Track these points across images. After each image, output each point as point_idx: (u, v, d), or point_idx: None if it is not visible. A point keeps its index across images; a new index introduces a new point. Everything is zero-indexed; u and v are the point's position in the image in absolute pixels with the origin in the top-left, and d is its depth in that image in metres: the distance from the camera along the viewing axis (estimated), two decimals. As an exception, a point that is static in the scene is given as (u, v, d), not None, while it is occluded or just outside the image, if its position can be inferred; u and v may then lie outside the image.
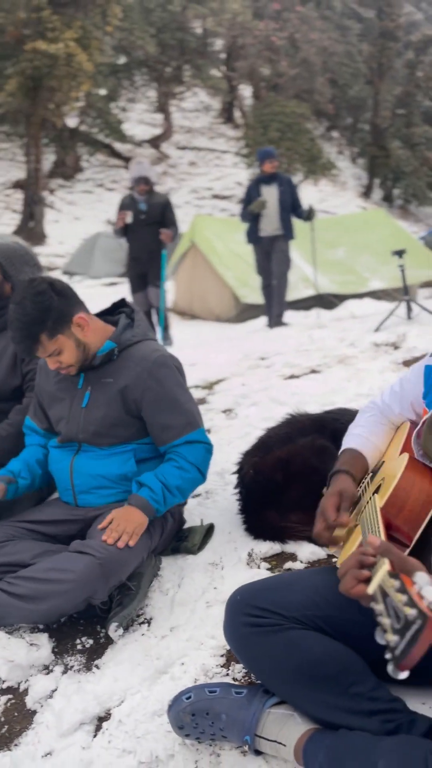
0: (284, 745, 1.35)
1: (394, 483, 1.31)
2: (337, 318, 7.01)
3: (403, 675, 0.88)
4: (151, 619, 1.94)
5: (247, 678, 1.62)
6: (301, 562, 2.05)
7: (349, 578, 1.10)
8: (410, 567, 1.01)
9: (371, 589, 0.96)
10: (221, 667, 1.68)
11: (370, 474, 1.54)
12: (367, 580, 1.07)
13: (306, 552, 2.07)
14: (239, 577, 1.99)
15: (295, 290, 8.59)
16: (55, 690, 1.74)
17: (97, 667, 1.79)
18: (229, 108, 30.08)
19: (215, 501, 2.55)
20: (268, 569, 2.05)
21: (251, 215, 6.66)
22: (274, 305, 6.89)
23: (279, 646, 1.36)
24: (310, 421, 2.35)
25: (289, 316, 7.24)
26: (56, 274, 14.77)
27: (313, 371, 4.13)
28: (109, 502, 2.09)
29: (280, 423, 2.43)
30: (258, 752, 1.39)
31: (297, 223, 6.89)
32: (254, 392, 3.80)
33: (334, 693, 1.31)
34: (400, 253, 5.61)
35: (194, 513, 2.44)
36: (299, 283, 8.87)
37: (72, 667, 1.81)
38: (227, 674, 1.65)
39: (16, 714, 1.70)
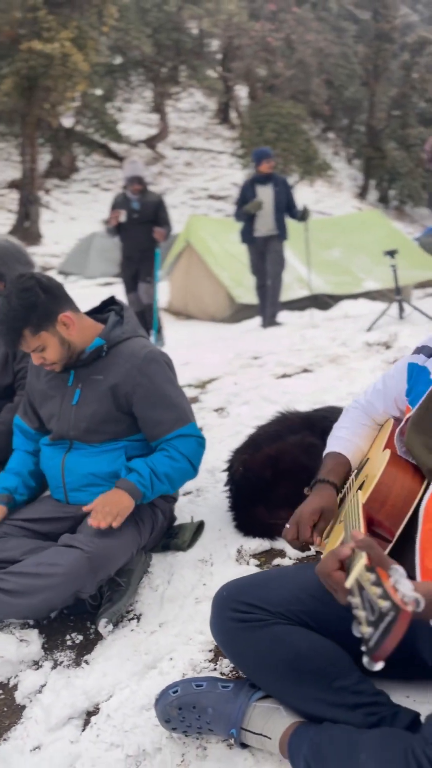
0: (269, 738, 1.36)
1: (376, 479, 1.33)
2: (329, 318, 7.03)
3: (378, 666, 0.90)
4: (140, 615, 1.95)
5: (234, 672, 1.64)
6: (290, 558, 2.07)
7: (330, 561, 1.13)
8: (387, 561, 1.03)
9: (349, 582, 0.98)
10: (209, 662, 1.70)
11: (355, 471, 1.56)
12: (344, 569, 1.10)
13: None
14: (228, 573, 2.00)
15: (290, 290, 8.61)
16: (45, 685, 1.75)
17: (86, 662, 1.81)
18: (225, 109, 30.11)
19: (206, 498, 2.56)
20: (257, 566, 2.07)
21: (246, 215, 6.66)
22: (268, 305, 6.91)
23: (264, 641, 1.37)
24: (299, 419, 2.37)
25: (283, 316, 7.25)
26: (52, 274, 14.72)
27: (305, 370, 4.15)
28: (100, 499, 2.10)
29: (270, 421, 2.45)
30: (244, 745, 1.41)
31: (291, 224, 6.90)
32: (246, 391, 3.81)
33: (319, 687, 1.32)
34: (392, 253, 5.65)
35: (185, 510, 2.45)
36: (294, 284, 8.89)
37: (61, 662, 1.83)
38: (215, 669, 1.67)
39: (5, 709, 1.71)
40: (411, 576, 1.26)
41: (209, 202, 23.61)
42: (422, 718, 1.27)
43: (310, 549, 1.52)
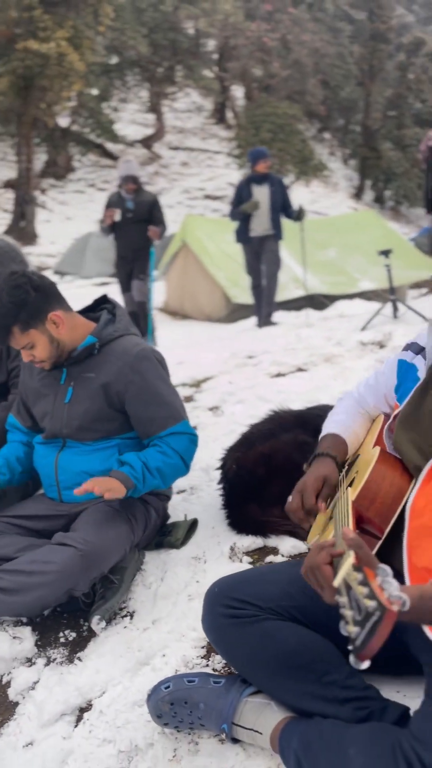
0: (260, 733, 1.37)
1: (365, 476, 1.34)
2: (325, 317, 7.05)
3: (365, 665, 0.91)
4: (133, 612, 1.96)
5: (226, 669, 1.65)
6: (283, 555, 2.08)
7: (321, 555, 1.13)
8: (375, 560, 1.03)
9: (337, 581, 0.98)
10: (201, 658, 1.71)
11: (346, 468, 1.56)
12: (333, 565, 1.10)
13: (287, 546, 2.10)
14: (221, 570, 2.01)
15: (286, 290, 8.63)
16: (38, 682, 1.76)
17: (79, 659, 1.81)
18: (221, 109, 30.12)
19: (199, 497, 2.57)
20: (250, 563, 2.08)
21: (242, 215, 6.65)
22: (263, 305, 6.91)
23: (255, 637, 1.38)
24: (292, 417, 2.39)
25: (278, 316, 7.27)
26: (47, 274, 14.72)
27: (300, 369, 4.17)
28: (93, 498, 2.10)
29: (264, 419, 2.46)
30: (235, 740, 1.42)
31: (287, 224, 6.90)
32: (241, 390, 3.82)
33: (309, 681, 1.33)
34: (386, 253, 5.67)
35: (178, 508, 2.46)
36: (290, 284, 8.91)
37: (54, 659, 1.83)
38: (207, 665, 1.68)
39: (-2, 705, 1.72)
40: (400, 573, 1.27)
41: (205, 202, 23.61)
42: (411, 713, 1.28)
43: (311, 522, 1.48)
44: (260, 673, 1.39)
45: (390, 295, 5.76)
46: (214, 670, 1.66)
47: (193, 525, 2.32)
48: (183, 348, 6.25)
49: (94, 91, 24.15)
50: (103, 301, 2.27)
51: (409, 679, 1.46)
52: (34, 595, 1.80)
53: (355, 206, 24.14)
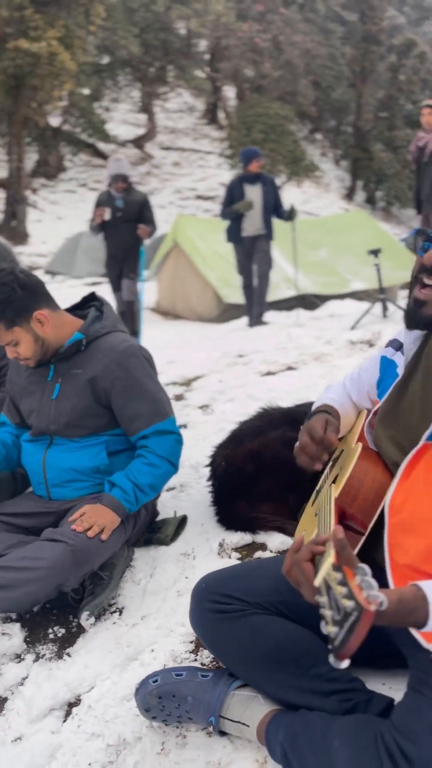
0: (247, 726, 1.38)
1: (347, 473, 1.35)
2: (315, 317, 7.07)
3: (344, 664, 0.92)
4: (122, 608, 1.97)
5: (214, 663, 1.66)
6: (271, 551, 2.09)
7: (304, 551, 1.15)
8: (354, 560, 1.04)
9: (317, 581, 0.99)
10: (190, 653, 1.72)
11: (330, 463, 1.58)
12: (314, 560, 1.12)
13: (276, 542, 2.11)
14: (210, 566, 2.02)
15: (277, 290, 8.65)
16: (26, 677, 1.77)
17: (68, 654, 1.82)
18: (213, 109, 30.13)
19: (189, 494, 2.58)
20: (238, 559, 2.09)
21: (234, 214, 6.62)
22: (255, 305, 6.91)
23: (242, 631, 1.40)
24: (281, 415, 2.40)
25: (270, 316, 7.28)
26: (39, 274, 14.67)
27: (290, 368, 4.19)
28: (82, 495, 2.11)
29: (253, 416, 2.47)
30: (223, 733, 1.43)
31: (279, 224, 6.90)
32: (231, 388, 3.84)
33: (295, 675, 1.35)
34: (375, 253, 5.70)
35: (168, 506, 2.47)
36: (281, 284, 8.93)
37: (43, 655, 1.84)
38: (195, 660, 1.69)
39: (-14, 701, 1.72)
40: (382, 569, 1.28)
41: (197, 203, 23.62)
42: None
43: (323, 459, 1.45)
44: (247, 667, 1.41)
45: (380, 294, 5.79)
46: (202, 664, 1.67)
47: (182, 522, 2.33)
48: (174, 348, 6.25)
49: (86, 91, 24.09)
50: (91, 299, 2.28)
51: (395, 671, 1.48)
52: (24, 590, 1.80)
53: (346, 207, 24.22)
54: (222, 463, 2.30)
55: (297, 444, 1.49)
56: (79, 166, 25.94)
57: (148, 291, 10.07)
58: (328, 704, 1.30)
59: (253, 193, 6.61)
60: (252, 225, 6.66)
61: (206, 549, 2.17)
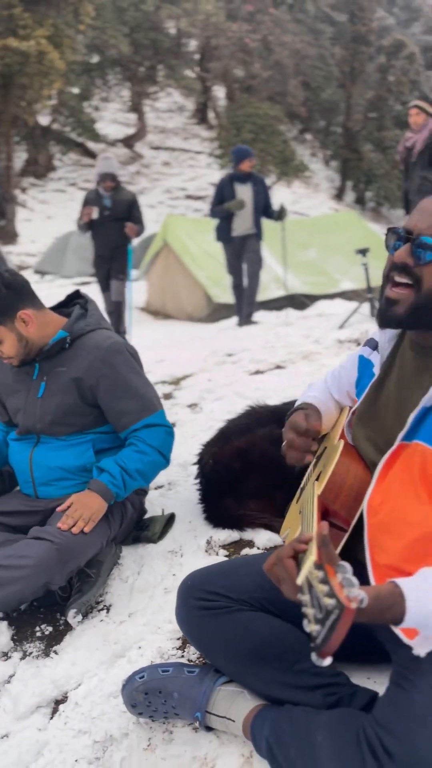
0: (233, 721, 1.39)
1: (330, 470, 1.36)
2: (304, 316, 7.10)
3: (326, 662, 0.93)
4: (110, 605, 1.97)
5: (201, 659, 1.66)
6: (258, 548, 2.10)
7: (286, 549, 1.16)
8: (336, 557, 1.04)
9: (300, 580, 1.00)
10: (177, 649, 1.72)
11: (314, 461, 1.58)
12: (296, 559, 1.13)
13: (263, 539, 2.12)
14: (198, 564, 2.02)
15: (267, 290, 8.66)
16: (13, 675, 1.77)
17: (55, 652, 1.82)
18: (203, 109, 30.12)
19: (177, 492, 2.59)
20: (226, 556, 2.10)
21: (225, 213, 6.57)
22: (244, 305, 6.91)
23: (227, 627, 1.41)
24: (268, 412, 2.41)
25: (259, 315, 7.28)
26: (28, 273, 14.65)
27: (278, 367, 4.20)
28: (69, 493, 2.10)
29: (240, 414, 2.49)
30: (209, 728, 1.44)
31: (268, 224, 6.89)
32: (219, 387, 3.85)
33: (280, 670, 1.36)
34: (363, 252, 5.72)
35: (156, 504, 2.47)
36: (271, 284, 8.95)
37: (30, 653, 1.84)
38: (182, 656, 1.69)
39: (-27, 700, 1.72)
40: (365, 566, 1.29)
41: (187, 202, 23.61)
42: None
43: (313, 450, 1.46)
44: (232, 663, 1.41)
45: (368, 294, 5.82)
46: (189, 660, 1.67)
47: (170, 519, 2.34)
48: (164, 347, 6.25)
49: (75, 90, 24.00)
50: (75, 297, 2.28)
51: (379, 666, 1.49)
52: (11, 589, 1.80)
53: (336, 207, 24.29)
54: (210, 461, 2.31)
55: (284, 443, 1.50)
56: (69, 165, 25.86)
57: (138, 291, 10.05)
58: (313, 699, 1.31)
59: (244, 192, 6.57)
60: (242, 225, 6.63)
61: (194, 546, 2.17)
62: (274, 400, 2.97)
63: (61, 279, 13.82)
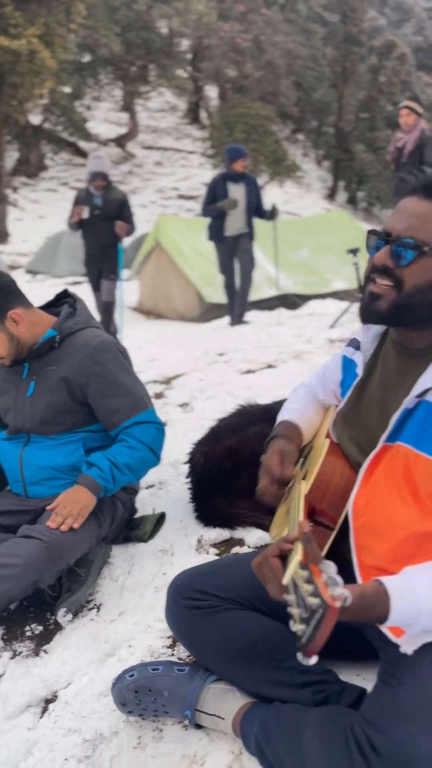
0: (223, 719, 1.39)
1: (316, 469, 1.36)
2: (296, 316, 7.11)
3: (312, 661, 0.93)
4: (100, 604, 1.97)
5: (191, 657, 1.67)
6: (249, 547, 2.11)
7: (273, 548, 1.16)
8: (320, 557, 1.04)
9: (285, 579, 1.01)
10: (167, 648, 1.72)
11: (302, 460, 1.59)
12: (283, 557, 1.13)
13: (253, 537, 2.13)
14: (188, 563, 2.03)
15: (259, 290, 8.67)
16: (2, 675, 1.76)
17: (45, 651, 1.82)
18: (195, 109, 30.13)
19: (168, 491, 2.59)
20: (216, 555, 2.10)
21: (217, 212, 6.53)
22: (236, 305, 6.91)
23: (217, 626, 1.41)
24: (259, 411, 2.41)
25: (251, 315, 7.28)
26: (19, 273, 14.61)
27: (270, 366, 4.21)
28: (59, 492, 2.10)
29: (231, 413, 2.49)
30: (198, 726, 1.44)
31: (260, 224, 6.88)
32: (211, 386, 3.85)
33: (269, 668, 1.36)
34: (354, 252, 5.73)
35: (147, 503, 2.47)
36: (263, 284, 8.96)
37: (20, 652, 1.83)
38: (172, 654, 1.69)
39: (-37, 699, 1.71)
40: (350, 564, 1.30)
41: (179, 202, 23.60)
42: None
43: (283, 494, 1.48)
44: (222, 662, 1.42)
45: (359, 293, 5.82)
46: (179, 659, 1.67)
47: (161, 519, 2.34)
48: (155, 346, 6.25)
49: (67, 89, 23.95)
50: (64, 296, 2.28)
51: (368, 663, 1.50)
52: (0, 588, 1.80)
53: (328, 207, 24.34)
54: (200, 460, 2.31)
55: (258, 486, 1.50)
56: (60, 164, 25.80)
57: (130, 290, 10.04)
58: (302, 696, 1.32)
59: (237, 191, 6.53)
60: (235, 224, 6.61)
61: (185, 545, 2.17)
62: (265, 399, 2.97)
63: (53, 279, 13.79)
